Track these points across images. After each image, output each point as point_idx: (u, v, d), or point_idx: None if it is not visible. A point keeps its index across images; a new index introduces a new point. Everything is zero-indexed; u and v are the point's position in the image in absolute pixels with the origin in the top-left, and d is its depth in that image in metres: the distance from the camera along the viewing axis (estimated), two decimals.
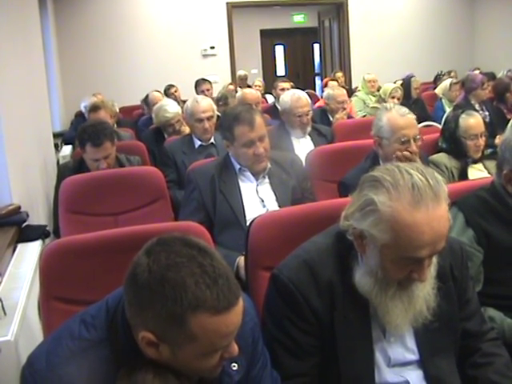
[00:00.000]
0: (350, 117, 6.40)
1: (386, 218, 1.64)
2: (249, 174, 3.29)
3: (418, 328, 1.85)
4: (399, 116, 3.23)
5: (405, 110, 3.29)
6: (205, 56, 11.08)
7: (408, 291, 1.77)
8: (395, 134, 3.20)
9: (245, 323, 1.66)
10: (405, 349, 1.90)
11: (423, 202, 1.63)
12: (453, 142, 4.04)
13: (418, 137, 3.27)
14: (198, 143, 4.69)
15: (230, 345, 1.45)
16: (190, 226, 2.40)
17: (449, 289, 1.94)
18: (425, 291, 1.79)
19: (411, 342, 1.90)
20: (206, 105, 4.72)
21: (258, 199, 3.26)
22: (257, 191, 3.28)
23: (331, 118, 5.90)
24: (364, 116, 7.14)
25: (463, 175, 3.92)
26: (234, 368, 1.63)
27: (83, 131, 3.98)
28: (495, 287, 2.38)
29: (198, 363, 1.42)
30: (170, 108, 5.47)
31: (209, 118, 4.64)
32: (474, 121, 4.05)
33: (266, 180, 3.32)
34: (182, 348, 1.39)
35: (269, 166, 3.31)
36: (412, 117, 3.28)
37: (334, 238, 1.89)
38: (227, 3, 11.11)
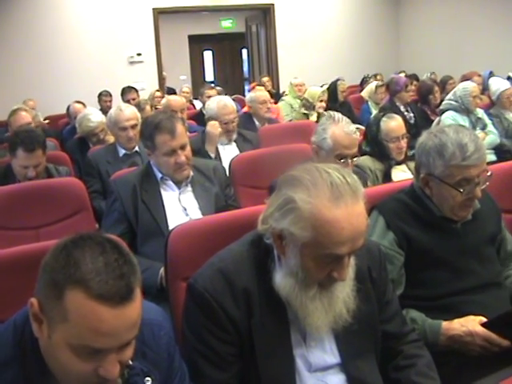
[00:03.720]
0: (275, 121, 6.43)
1: (305, 215, 1.64)
2: (171, 182, 3.25)
3: (338, 331, 1.84)
4: (345, 134, 3.19)
5: (352, 128, 3.25)
6: (132, 63, 10.98)
7: (328, 292, 1.77)
8: (336, 150, 3.17)
9: (159, 337, 1.64)
10: (325, 353, 1.90)
11: (342, 198, 1.64)
12: (376, 145, 4.10)
13: (356, 158, 3.29)
14: (122, 152, 4.64)
15: (107, 359, 1.36)
16: None
17: (368, 291, 1.95)
18: (344, 293, 1.80)
19: (332, 346, 1.91)
20: (129, 113, 4.67)
21: (180, 208, 3.22)
22: (179, 200, 3.24)
23: (257, 123, 5.90)
24: (290, 120, 7.17)
25: (387, 177, 3.98)
26: (148, 383, 1.58)
27: (16, 135, 3.90)
28: (417, 289, 2.41)
29: (70, 361, 1.35)
30: (94, 117, 5.38)
31: (133, 127, 4.59)
32: (394, 123, 4.12)
33: (189, 188, 3.29)
34: (55, 328, 1.33)
35: (191, 174, 3.28)
36: (356, 137, 3.25)
37: (249, 245, 1.89)
38: (153, 9, 11.03)
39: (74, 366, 1.35)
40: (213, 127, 4.65)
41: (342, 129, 3.19)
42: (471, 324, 2.24)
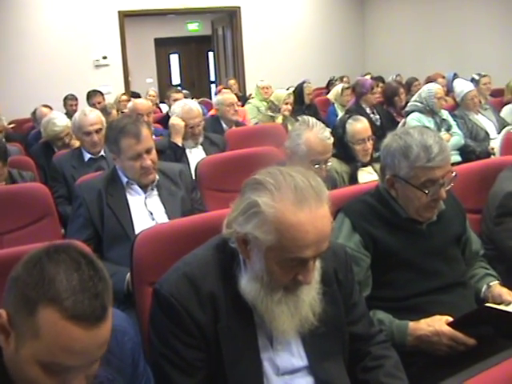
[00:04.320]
0: (243, 124, 6.43)
1: (269, 219, 1.64)
2: (136, 186, 3.23)
3: (305, 334, 1.84)
4: (319, 140, 3.20)
5: (326, 133, 3.25)
6: (97, 66, 10.89)
7: (294, 296, 1.77)
8: (310, 156, 3.18)
9: (124, 343, 1.62)
10: (293, 356, 1.89)
11: (306, 202, 1.64)
12: (342, 148, 4.11)
13: (330, 163, 3.29)
14: (87, 156, 4.59)
15: (74, 375, 1.34)
16: None
17: (334, 293, 1.95)
18: (310, 296, 1.80)
19: (299, 349, 1.90)
20: (93, 117, 4.62)
21: (146, 212, 3.21)
22: (145, 204, 3.23)
23: (224, 126, 5.88)
24: (257, 123, 7.18)
25: (353, 179, 4.00)
26: None
27: None
28: (383, 290, 2.42)
29: (36, 377, 1.32)
30: (59, 121, 5.30)
31: (97, 131, 4.55)
32: (360, 126, 4.13)
33: (155, 192, 3.28)
34: (24, 344, 1.31)
35: (157, 178, 3.27)
36: (330, 142, 3.26)
37: (214, 249, 1.88)
38: (119, 12, 10.96)
39: (39, 381, 1.33)
40: (176, 119, 4.65)
41: (316, 135, 3.20)
42: (438, 324, 2.26)
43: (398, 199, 2.46)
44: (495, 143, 5.49)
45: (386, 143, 2.51)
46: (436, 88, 6.17)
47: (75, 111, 7.06)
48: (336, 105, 7.99)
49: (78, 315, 1.28)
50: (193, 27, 17.36)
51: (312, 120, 3.31)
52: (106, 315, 1.33)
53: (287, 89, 7.86)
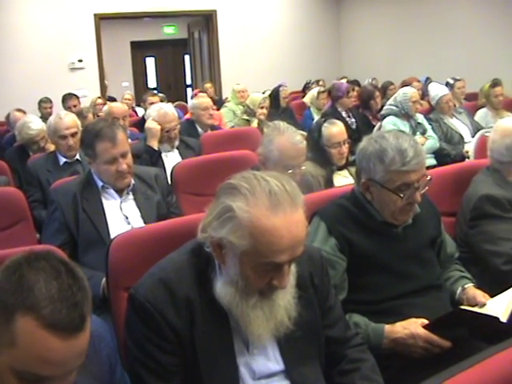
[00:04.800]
0: (219, 128, 6.42)
1: (244, 223, 1.64)
2: (112, 191, 3.22)
3: (281, 338, 1.84)
4: (291, 145, 3.18)
5: (298, 137, 3.24)
6: (73, 69, 10.84)
7: (269, 300, 1.77)
8: (283, 161, 3.16)
9: (101, 349, 1.61)
10: (269, 360, 1.89)
11: (281, 206, 1.64)
12: (317, 151, 4.10)
13: (304, 167, 3.29)
14: (62, 160, 4.56)
15: None
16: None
17: (310, 297, 1.95)
18: (285, 300, 1.80)
19: (275, 353, 1.90)
20: (69, 121, 4.58)
21: (122, 216, 3.19)
22: (121, 208, 3.21)
23: (199, 129, 5.87)
24: (233, 127, 7.17)
25: (329, 183, 4.00)
26: None
27: None
28: (359, 293, 2.43)
29: None
30: (34, 125, 5.27)
31: (73, 135, 4.51)
32: (336, 129, 4.13)
33: (130, 196, 3.27)
34: (0, 352, 1.29)
35: (132, 182, 3.26)
36: (302, 146, 3.25)
37: (189, 253, 1.87)
38: (95, 15, 10.92)
39: None
40: (152, 123, 4.63)
41: (288, 139, 3.19)
42: (413, 326, 2.27)
43: (374, 203, 2.47)
44: (470, 146, 5.54)
45: (361, 147, 2.52)
46: (411, 92, 6.21)
47: (50, 114, 7.01)
48: (312, 108, 8.01)
49: (55, 324, 1.26)
50: (169, 30, 17.30)
51: (283, 125, 3.30)
52: (84, 325, 1.32)
53: (263, 92, 7.86)
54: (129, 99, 9.29)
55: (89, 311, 1.34)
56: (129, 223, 3.18)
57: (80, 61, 10.84)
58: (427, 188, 2.45)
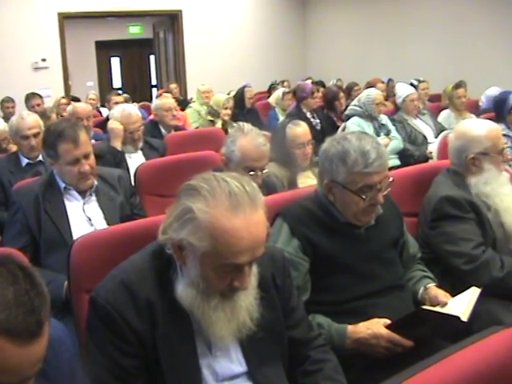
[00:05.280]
0: (183, 128, 6.40)
1: (204, 225, 1.64)
2: (74, 192, 3.19)
3: (244, 339, 1.84)
4: (253, 147, 3.14)
5: (261, 140, 3.20)
6: (36, 69, 10.73)
7: (231, 302, 1.77)
8: (244, 163, 3.14)
9: (60, 353, 1.59)
10: (232, 362, 1.89)
11: (241, 207, 1.64)
12: (281, 152, 4.08)
13: (266, 170, 3.28)
14: (25, 161, 4.50)
15: None
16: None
17: (272, 298, 1.95)
18: (247, 301, 1.80)
19: (238, 355, 1.90)
20: (31, 121, 4.52)
21: (85, 218, 3.16)
22: (83, 210, 3.18)
23: (163, 130, 5.85)
24: (197, 127, 7.15)
25: (293, 183, 4.00)
26: None
27: None
28: (322, 294, 2.43)
29: None
30: None
31: (35, 135, 4.44)
32: (300, 130, 4.14)
33: (93, 198, 3.24)
34: None
35: (95, 183, 3.23)
36: (265, 148, 3.21)
37: (151, 255, 1.86)
38: (59, 14, 10.82)
39: None
40: (115, 123, 4.60)
41: (250, 141, 3.16)
42: (376, 327, 2.29)
43: (336, 204, 2.48)
44: (433, 147, 5.61)
45: (323, 148, 2.52)
46: (375, 94, 6.26)
47: (12, 114, 6.93)
48: (277, 109, 8.01)
49: (10, 330, 1.23)
50: (134, 30, 17.21)
51: (247, 126, 3.28)
52: (41, 331, 1.29)
53: (228, 93, 7.87)
54: (93, 99, 9.20)
55: (47, 317, 1.31)
56: (92, 225, 3.15)
57: (43, 60, 10.73)
58: (389, 189, 2.47)
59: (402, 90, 6.67)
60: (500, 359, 1.46)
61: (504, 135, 3.54)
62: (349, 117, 6.31)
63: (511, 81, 8.07)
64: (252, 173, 3.12)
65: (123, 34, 17.01)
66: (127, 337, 1.75)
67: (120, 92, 9.72)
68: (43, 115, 5.61)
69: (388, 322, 2.30)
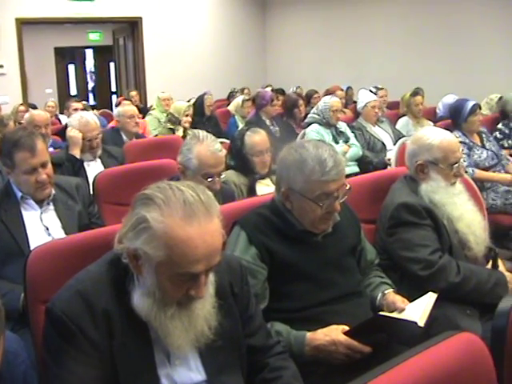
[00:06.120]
0: (143, 136, 6.37)
1: (159, 234, 1.64)
2: (31, 201, 3.15)
3: (202, 348, 1.84)
4: (210, 153, 3.17)
5: (217, 146, 3.22)
6: None
7: (188, 311, 1.77)
8: (202, 170, 3.15)
9: (15, 366, 1.57)
10: (191, 370, 1.88)
11: (195, 216, 1.65)
12: (240, 159, 4.12)
13: (223, 175, 3.29)
14: None
15: None
16: None
17: (230, 306, 1.96)
18: (205, 310, 1.80)
19: (197, 363, 1.90)
20: None
21: (42, 227, 3.12)
22: (41, 219, 3.14)
23: (124, 138, 5.81)
24: (157, 135, 7.12)
25: (252, 191, 4.01)
26: None
27: None
28: (281, 302, 2.44)
29: None
30: None
31: None
32: (258, 138, 4.15)
33: (51, 207, 3.20)
34: None
35: (53, 192, 3.19)
36: (222, 154, 3.24)
37: (108, 265, 1.85)
38: (16, 19, 10.65)
39: None
40: (73, 131, 4.55)
41: (207, 148, 3.17)
42: (334, 333, 2.30)
43: (293, 211, 2.48)
44: (391, 154, 5.66)
45: (281, 156, 2.53)
46: (332, 101, 6.31)
47: None
48: (237, 116, 8.01)
49: None
50: (94, 37, 17.09)
51: (202, 133, 3.29)
52: None
53: (188, 100, 7.84)
54: (52, 106, 9.10)
55: (1, 329, 1.30)
56: (49, 234, 3.11)
57: (1, 66, 10.57)
58: (346, 197, 2.49)
59: (364, 97, 6.74)
60: (454, 363, 1.48)
61: (460, 142, 3.60)
62: (309, 124, 6.36)
63: (468, 88, 8.22)
64: (210, 179, 3.13)
65: (82, 41, 16.88)
66: (84, 347, 1.73)
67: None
68: (0, 123, 5.52)
69: (346, 328, 2.31)
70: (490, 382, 1.57)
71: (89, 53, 18.32)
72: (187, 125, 6.68)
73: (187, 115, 6.77)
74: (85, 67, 18.44)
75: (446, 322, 2.66)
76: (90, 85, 18.82)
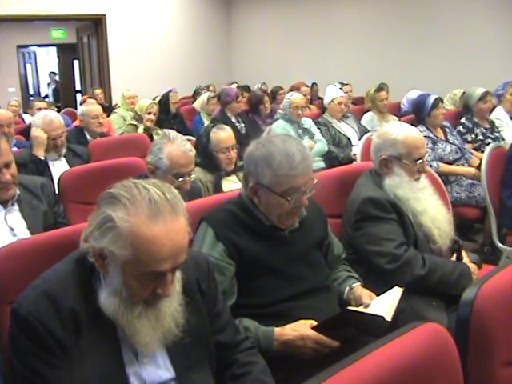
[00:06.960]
0: (108, 134, 6.32)
1: (124, 233, 1.64)
2: None
3: (170, 345, 1.85)
4: (181, 153, 3.17)
5: (188, 145, 3.22)
6: None
7: (155, 309, 1.77)
8: (173, 170, 3.15)
9: None
10: (159, 368, 1.89)
11: (161, 215, 1.65)
12: (206, 157, 4.12)
13: (193, 175, 3.29)
14: None
15: None
16: None
17: (197, 303, 1.96)
18: (172, 308, 1.81)
19: (165, 361, 1.90)
20: None
21: (7, 228, 3.09)
22: (5, 220, 3.11)
23: (88, 137, 5.76)
24: (122, 133, 7.08)
25: (218, 188, 4.02)
26: None
27: None
28: (249, 298, 2.44)
29: None
30: None
31: None
32: (224, 134, 4.16)
33: (16, 207, 3.16)
34: None
35: (17, 192, 3.16)
36: (192, 154, 3.24)
37: (74, 264, 1.83)
38: None
39: None
40: (38, 131, 4.49)
41: (178, 148, 3.18)
42: (302, 328, 2.31)
43: (261, 207, 2.49)
44: (357, 149, 5.70)
45: (248, 151, 2.53)
46: (293, 98, 6.34)
47: None
48: (202, 114, 7.99)
49: None
50: (57, 35, 16.86)
51: (173, 133, 3.29)
52: None
53: (154, 98, 7.80)
54: (15, 106, 8.97)
55: None
56: (14, 235, 3.08)
57: None
58: (314, 192, 2.50)
59: (331, 92, 6.76)
60: (420, 353, 1.50)
61: (425, 136, 3.63)
62: (276, 120, 6.38)
63: (431, 83, 8.31)
64: (181, 179, 3.13)
65: (46, 39, 16.67)
66: (51, 348, 1.71)
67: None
68: None
69: (314, 323, 2.33)
70: (455, 371, 1.60)
71: (52, 51, 18.14)
72: (149, 123, 6.65)
73: (150, 113, 6.73)
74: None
75: (412, 313, 2.68)
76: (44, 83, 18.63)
